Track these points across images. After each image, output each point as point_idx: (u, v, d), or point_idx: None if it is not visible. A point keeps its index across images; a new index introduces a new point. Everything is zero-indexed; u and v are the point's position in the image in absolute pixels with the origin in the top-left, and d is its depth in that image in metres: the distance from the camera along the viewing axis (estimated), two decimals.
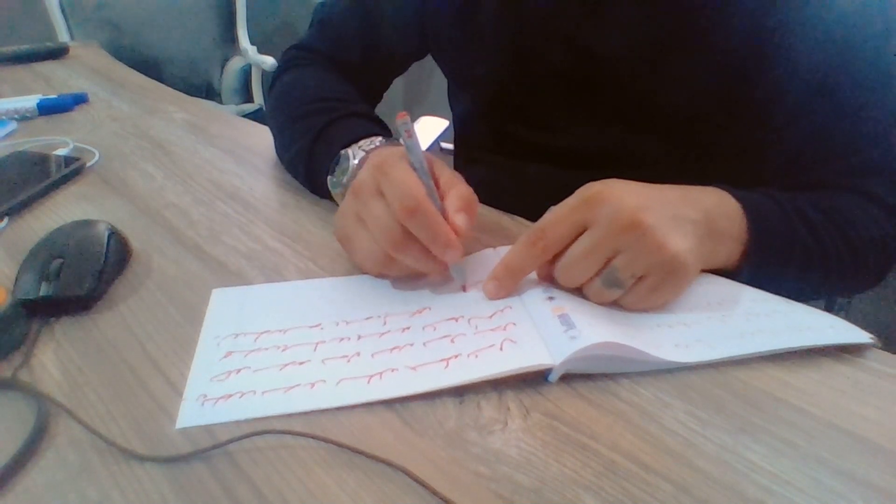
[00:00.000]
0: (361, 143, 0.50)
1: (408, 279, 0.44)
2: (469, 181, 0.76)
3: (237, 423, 0.33)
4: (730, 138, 0.54)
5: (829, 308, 0.75)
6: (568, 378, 0.35)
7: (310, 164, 0.56)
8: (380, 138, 0.51)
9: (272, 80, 0.70)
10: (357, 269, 0.46)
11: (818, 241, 0.45)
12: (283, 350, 0.38)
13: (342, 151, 0.50)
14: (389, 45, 0.66)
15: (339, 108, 0.57)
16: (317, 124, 0.55)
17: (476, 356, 0.36)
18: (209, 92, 1.99)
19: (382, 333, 0.39)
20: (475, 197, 0.43)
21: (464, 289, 0.43)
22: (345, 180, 0.49)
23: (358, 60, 0.67)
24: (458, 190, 0.42)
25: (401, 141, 0.41)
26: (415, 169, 0.40)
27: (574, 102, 0.57)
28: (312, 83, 0.64)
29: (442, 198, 0.41)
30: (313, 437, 0.32)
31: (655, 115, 0.54)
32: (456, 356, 0.36)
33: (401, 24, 0.65)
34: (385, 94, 0.74)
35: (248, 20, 1.98)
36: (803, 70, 0.48)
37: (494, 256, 0.45)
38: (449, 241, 0.39)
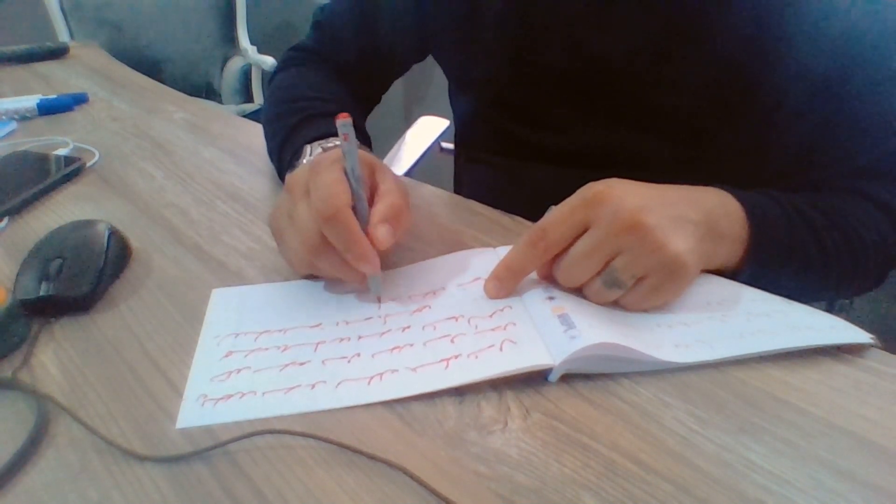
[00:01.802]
0: (323, 141, 0.51)
1: (405, 275, 0.44)
2: (470, 181, 0.77)
3: (237, 422, 0.33)
4: (731, 139, 0.54)
5: (829, 308, 0.75)
6: (568, 378, 0.35)
7: (280, 161, 0.57)
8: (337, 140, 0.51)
9: (269, 81, 0.70)
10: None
11: (819, 242, 0.45)
12: (284, 350, 0.38)
13: (303, 147, 0.51)
14: (388, 45, 0.66)
15: (315, 107, 0.58)
16: (290, 122, 0.56)
17: (476, 356, 0.36)
18: (209, 92, 1.99)
19: (382, 333, 0.39)
20: (406, 210, 0.42)
21: (378, 300, 0.42)
22: None
23: (354, 61, 0.67)
24: (388, 200, 0.41)
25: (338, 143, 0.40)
26: (347, 174, 0.39)
27: (576, 103, 0.57)
28: (298, 83, 0.65)
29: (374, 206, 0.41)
30: (313, 437, 0.32)
31: (657, 116, 0.54)
32: (456, 356, 0.36)
33: (400, 24, 0.65)
34: (385, 94, 0.74)
35: (248, 20, 1.98)
36: (805, 72, 0.48)
37: (494, 256, 0.45)
38: (363, 252, 0.38)
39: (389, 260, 0.47)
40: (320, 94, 0.61)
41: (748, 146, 0.54)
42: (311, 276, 0.45)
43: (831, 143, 0.50)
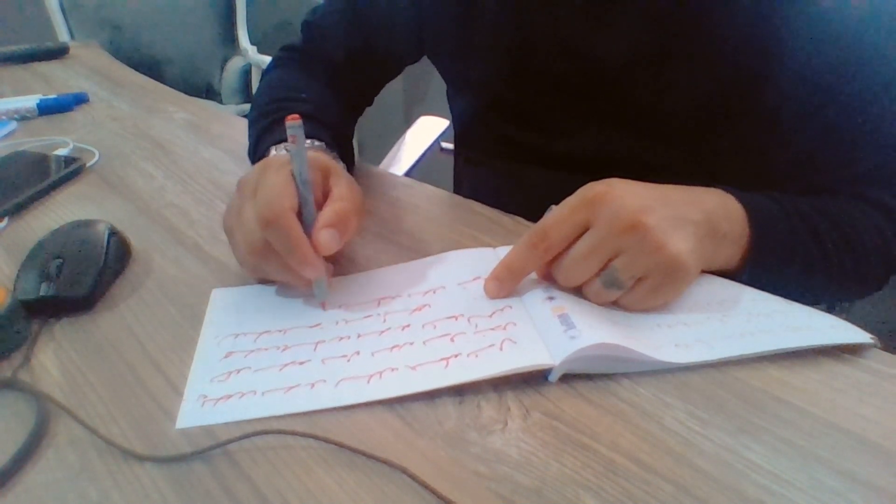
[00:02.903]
0: (287, 143, 0.51)
1: (406, 272, 0.45)
2: (470, 182, 0.77)
3: (237, 423, 0.33)
4: (732, 142, 0.53)
5: (830, 309, 0.75)
6: (568, 378, 0.35)
7: (253, 163, 0.56)
8: (310, 141, 0.51)
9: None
10: (354, 268, 0.46)
11: (820, 245, 0.45)
12: (283, 350, 0.38)
13: (269, 149, 0.51)
14: (380, 45, 0.66)
15: (290, 108, 0.56)
16: (263, 124, 0.56)
17: (476, 356, 0.36)
18: (209, 92, 1.99)
19: (382, 331, 0.39)
20: (354, 215, 0.41)
21: (322, 306, 0.42)
22: None
23: (343, 60, 0.66)
24: (336, 205, 0.41)
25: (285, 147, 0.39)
26: (294, 177, 0.39)
27: (575, 107, 0.57)
28: (280, 84, 0.64)
29: None
30: (313, 437, 0.32)
31: (657, 120, 0.54)
32: (456, 355, 0.36)
33: (394, 25, 0.65)
34: (384, 94, 0.74)
35: (248, 20, 1.97)
36: (807, 76, 0.47)
37: (493, 256, 0.45)
38: (303, 257, 0.38)
39: (388, 259, 0.47)
40: (298, 95, 0.60)
41: (749, 150, 0.54)
42: (265, 280, 0.44)
43: (833, 147, 0.49)
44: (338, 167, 0.45)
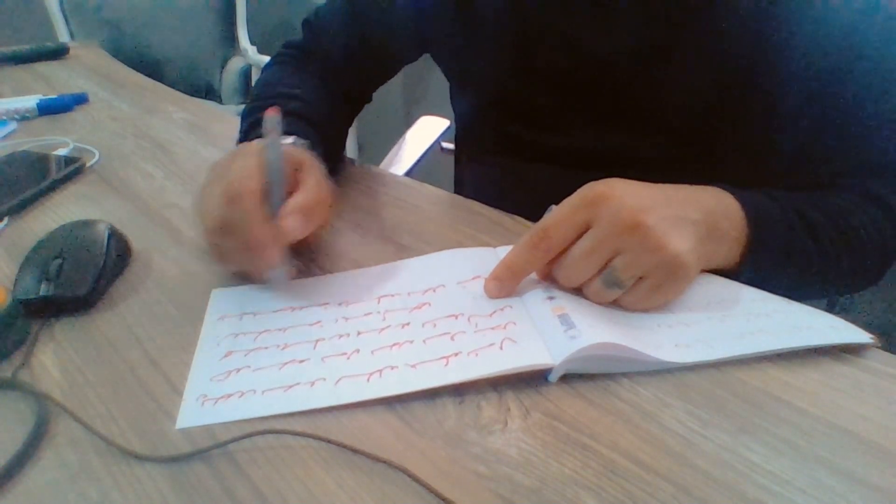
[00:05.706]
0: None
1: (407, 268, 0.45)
2: (471, 181, 0.77)
3: (237, 422, 0.33)
4: (732, 139, 0.54)
5: (830, 308, 0.75)
6: (568, 378, 0.35)
7: None
8: (293, 138, 0.51)
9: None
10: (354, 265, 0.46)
11: (818, 241, 0.45)
12: (283, 349, 0.38)
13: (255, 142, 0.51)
14: (379, 43, 0.66)
15: (279, 104, 0.56)
16: (253, 118, 0.56)
17: (476, 355, 0.36)
18: (209, 92, 1.99)
19: (382, 329, 0.39)
20: (322, 207, 0.42)
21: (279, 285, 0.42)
22: None
23: (341, 57, 0.66)
24: (304, 195, 0.41)
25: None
26: (266, 165, 0.40)
27: (575, 104, 0.57)
28: (275, 80, 0.65)
29: None
30: (313, 437, 0.32)
31: (657, 116, 0.54)
32: (456, 354, 0.36)
33: (393, 23, 0.65)
34: (385, 94, 0.74)
35: (248, 20, 1.97)
36: (805, 71, 0.48)
37: (493, 256, 0.45)
38: (259, 240, 0.38)
39: (388, 259, 0.47)
40: (291, 92, 0.60)
41: (749, 145, 0.54)
42: (241, 273, 0.44)
43: (831, 142, 0.50)
44: (311, 163, 0.45)
